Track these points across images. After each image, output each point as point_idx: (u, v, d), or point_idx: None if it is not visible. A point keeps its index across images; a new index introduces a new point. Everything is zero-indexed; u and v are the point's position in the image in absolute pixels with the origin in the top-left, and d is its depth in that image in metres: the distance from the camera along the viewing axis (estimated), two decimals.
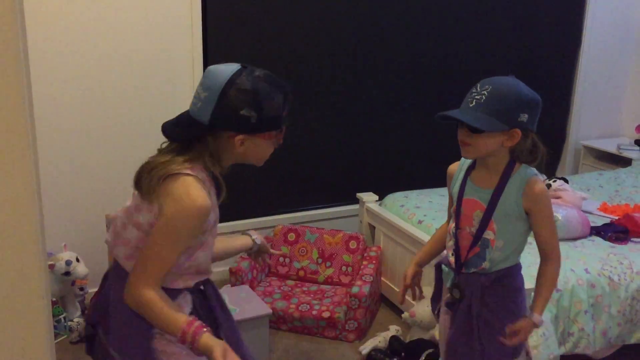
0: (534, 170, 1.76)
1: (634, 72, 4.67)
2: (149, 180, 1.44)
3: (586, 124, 4.63)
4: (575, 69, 4.43)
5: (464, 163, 1.86)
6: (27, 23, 1.07)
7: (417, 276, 2.01)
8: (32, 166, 1.03)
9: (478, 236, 1.78)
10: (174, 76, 3.16)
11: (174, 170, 1.42)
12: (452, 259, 1.86)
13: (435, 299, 2.06)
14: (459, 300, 1.85)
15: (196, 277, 1.56)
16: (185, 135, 1.48)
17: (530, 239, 1.81)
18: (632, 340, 2.59)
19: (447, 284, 1.91)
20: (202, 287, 1.61)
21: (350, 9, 3.56)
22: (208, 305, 1.61)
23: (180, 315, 1.43)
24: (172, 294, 1.51)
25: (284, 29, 3.42)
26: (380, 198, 3.49)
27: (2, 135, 0.99)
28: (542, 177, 1.81)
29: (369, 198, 3.47)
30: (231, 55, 3.30)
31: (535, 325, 1.78)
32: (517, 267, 1.86)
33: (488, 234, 1.76)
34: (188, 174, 1.41)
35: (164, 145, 1.53)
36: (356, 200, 3.54)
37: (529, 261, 2.16)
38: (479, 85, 1.68)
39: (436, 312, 2.07)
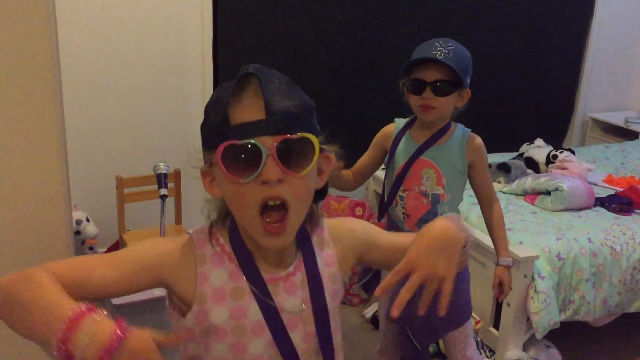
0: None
1: None
2: None
3: (594, 97, 4.61)
4: (585, 40, 4.39)
5: (399, 124, 1.93)
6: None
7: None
8: (61, 133, 1.07)
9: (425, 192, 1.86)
10: (184, 49, 3.17)
11: None
12: (405, 220, 1.90)
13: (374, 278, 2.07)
14: None
15: None
16: None
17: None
18: (632, 309, 2.64)
19: None
20: None
21: None
22: None
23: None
24: None
25: (290, 18, 3.43)
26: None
27: (34, 105, 1.03)
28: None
29: None
30: (241, 39, 3.29)
31: (509, 267, 1.94)
32: None
33: (438, 189, 1.85)
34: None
35: None
36: None
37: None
38: (440, 40, 1.74)
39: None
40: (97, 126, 3.12)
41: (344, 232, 1.09)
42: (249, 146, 0.89)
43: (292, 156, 0.91)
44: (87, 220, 2.96)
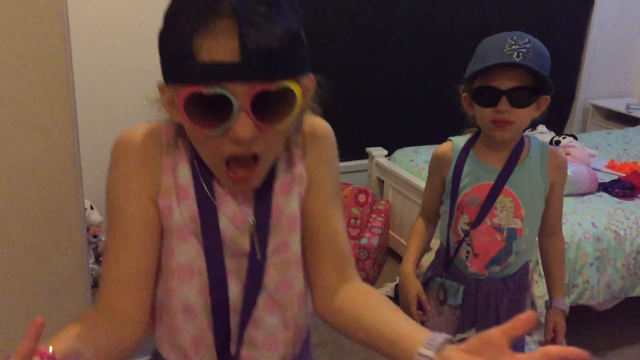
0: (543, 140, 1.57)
1: None
2: None
3: (595, 83, 4.62)
4: (586, 27, 4.39)
5: (458, 145, 1.55)
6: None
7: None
8: (73, 123, 1.08)
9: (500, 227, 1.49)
10: None
11: None
12: (471, 261, 1.54)
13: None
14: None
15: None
16: None
17: None
18: (635, 293, 2.65)
19: (455, 299, 1.59)
20: None
21: None
22: None
23: None
24: None
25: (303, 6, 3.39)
26: (389, 153, 3.51)
27: (47, 96, 1.03)
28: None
29: (378, 152, 3.49)
30: None
31: (565, 313, 1.61)
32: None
33: (515, 223, 1.49)
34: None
35: None
36: (365, 155, 3.57)
37: None
38: (514, 36, 1.37)
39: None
40: (100, 114, 3.12)
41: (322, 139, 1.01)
42: (218, 97, 0.73)
43: (269, 107, 0.76)
44: (92, 208, 2.97)
